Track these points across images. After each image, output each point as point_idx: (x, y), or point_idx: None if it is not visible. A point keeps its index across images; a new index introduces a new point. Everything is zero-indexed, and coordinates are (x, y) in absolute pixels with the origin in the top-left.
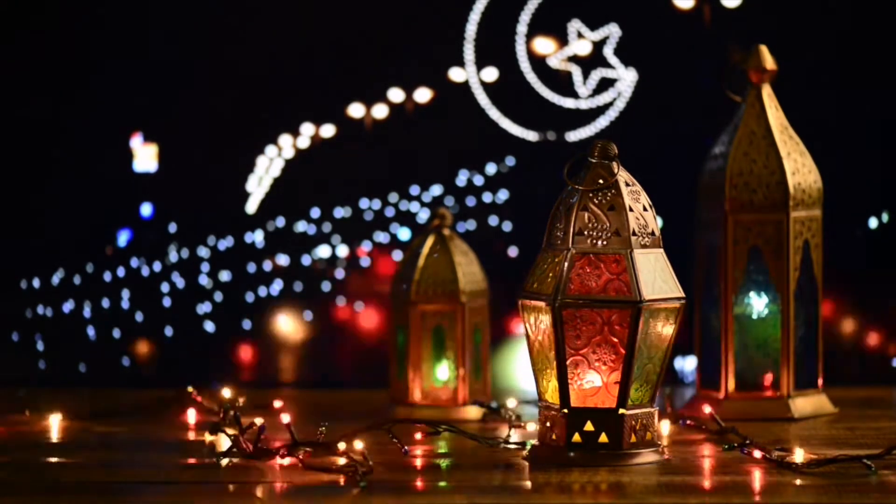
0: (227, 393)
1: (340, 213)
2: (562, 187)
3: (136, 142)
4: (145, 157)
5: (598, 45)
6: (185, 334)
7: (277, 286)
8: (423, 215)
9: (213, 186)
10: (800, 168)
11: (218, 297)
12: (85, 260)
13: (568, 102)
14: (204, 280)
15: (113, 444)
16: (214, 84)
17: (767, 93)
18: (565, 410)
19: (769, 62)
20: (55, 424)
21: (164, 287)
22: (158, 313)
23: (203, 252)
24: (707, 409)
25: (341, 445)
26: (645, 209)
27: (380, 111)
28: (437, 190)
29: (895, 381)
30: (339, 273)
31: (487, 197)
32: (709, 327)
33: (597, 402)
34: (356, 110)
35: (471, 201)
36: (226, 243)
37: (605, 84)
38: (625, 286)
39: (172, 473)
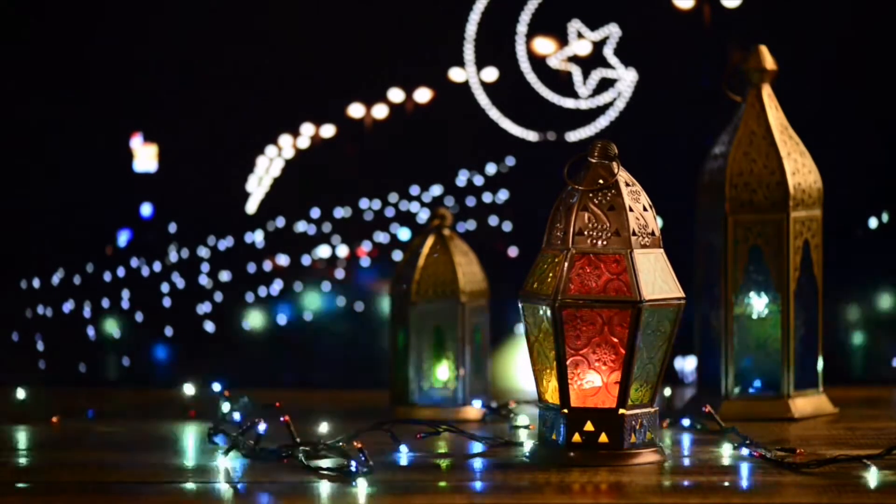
0: (226, 393)
1: (340, 213)
2: (562, 187)
3: (136, 142)
4: (145, 157)
5: (598, 45)
6: (185, 334)
7: (277, 286)
8: (423, 215)
9: (213, 186)
10: (800, 168)
11: (218, 297)
12: (85, 260)
13: (568, 102)
14: (204, 280)
15: (113, 444)
16: (214, 84)
17: (767, 93)
18: (565, 410)
19: (769, 62)
20: (55, 424)
21: (165, 287)
22: (158, 313)
23: (203, 252)
24: (707, 409)
25: (341, 445)
26: (645, 209)
27: (380, 111)
28: (437, 190)
29: (895, 381)
30: (339, 273)
31: (487, 197)
32: (709, 327)
33: (597, 402)
34: (356, 110)
35: (471, 201)
36: (226, 243)
37: (605, 84)
38: (625, 286)
39: (172, 473)
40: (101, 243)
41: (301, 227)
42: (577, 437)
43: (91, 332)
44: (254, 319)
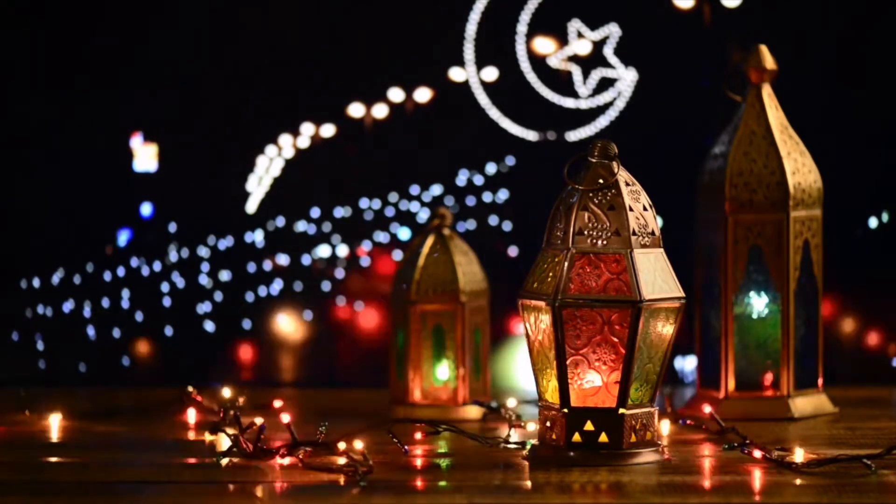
0: (227, 393)
1: (340, 213)
2: (562, 187)
3: (136, 142)
4: (145, 157)
5: (598, 45)
6: (185, 334)
7: (277, 286)
8: (423, 215)
9: (213, 186)
10: (800, 168)
11: (218, 297)
12: (85, 260)
13: (568, 102)
14: (204, 280)
15: (113, 444)
16: (214, 84)
17: (767, 93)
18: (565, 410)
19: (769, 62)
20: (55, 424)
21: (165, 287)
22: (158, 313)
23: (203, 252)
24: (707, 409)
25: (341, 445)
26: (645, 209)
27: (380, 111)
28: (437, 190)
29: (895, 381)
30: (339, 273)
31: (487, 197)
32: (709, 327)
33: (597, 402)
34: (356, 110)
35: (471, 201)
36: (226, 243)
37: (605, 84)
38: (625, 286)
39: (172, 473)
40: (101, 243)
41: (301, 227)
42: (577, 437)
43: (91, 332)
44: (254, 319)
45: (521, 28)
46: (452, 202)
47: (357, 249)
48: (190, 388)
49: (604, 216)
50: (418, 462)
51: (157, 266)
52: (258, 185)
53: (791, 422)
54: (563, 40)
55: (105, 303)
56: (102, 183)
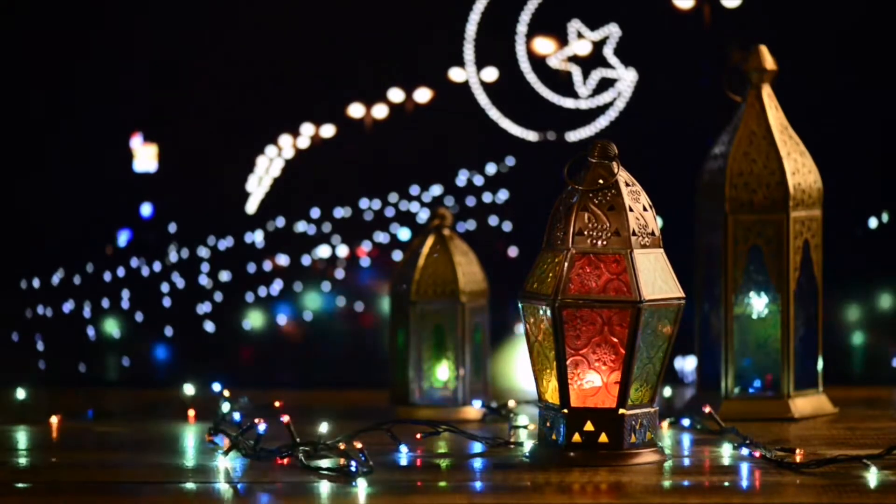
0: (227, 393)
1: (340, 213)
2: (562, 187)
3: (136, 142)
4: (145, 157)
5: (598, 45)
6: (185, 334)
7: (277, 286)
8: (423, 215)
9: (213, 186)
10: (800, 168)
11: (218, 297)
12: (85, 260)
13: (568, 102)
14: (204, 280)
15: (113, 444)
16: (214, 84)
17: (767, 93)
18: (565, 411)
19: (769, 62)
20: (55, 424)
21: (164, 287)
22: (158, 313)
23: (203, 252)
24: (707, 409)
25: (341, 445)
26: (645, 209)
27: (380, 111)
28: (437, 190)
29: (895, 381)
30: (339, 273)
31: (487, 197)
32: (709, 327)
33: (597, 402)
34: (356, 110)
35: (471, 201)
36: (226, 243)
37: (605, 84)
38: (625, 286)
39: (172, 473)
40: (101, 243)
41: (301, 227)
42: (577, 437)
43: (91, 332)
44: (254, 319)
45: (521, 28)
46: (452, 202)
47: (357, 249)
48: (190, 389)
49: (604, 216)
50: (418, 462)
51: (157, 266)
52: (258, 185)
53: (791, 422)
54: (563, 40)
55: (105, 303)
56: (102, 183)
